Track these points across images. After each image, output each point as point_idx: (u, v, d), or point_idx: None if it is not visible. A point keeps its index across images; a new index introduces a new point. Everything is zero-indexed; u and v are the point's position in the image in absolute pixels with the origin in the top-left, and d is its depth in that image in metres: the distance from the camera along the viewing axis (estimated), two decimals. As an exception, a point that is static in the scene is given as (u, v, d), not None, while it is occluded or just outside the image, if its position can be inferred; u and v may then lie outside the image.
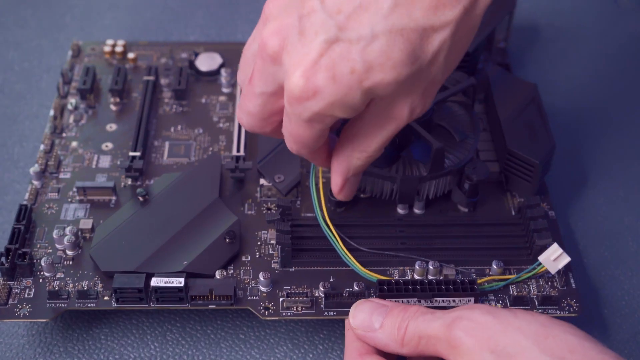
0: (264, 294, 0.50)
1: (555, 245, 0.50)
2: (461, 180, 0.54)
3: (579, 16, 0.72)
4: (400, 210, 0.55)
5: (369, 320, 0.45)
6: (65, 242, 0.52)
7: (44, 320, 0.48)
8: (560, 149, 0.58)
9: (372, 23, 0.40)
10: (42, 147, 0.59)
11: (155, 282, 0.49)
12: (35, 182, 0.56)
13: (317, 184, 0.53)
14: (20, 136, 0.61)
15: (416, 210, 0.55)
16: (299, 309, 0.49)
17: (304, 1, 0.41)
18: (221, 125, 0.61)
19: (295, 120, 0.43)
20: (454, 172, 0.54)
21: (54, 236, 0.52)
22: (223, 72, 0.64)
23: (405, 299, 0.48)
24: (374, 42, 0.40)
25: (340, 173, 0.47)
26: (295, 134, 0.44)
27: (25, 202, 0.54)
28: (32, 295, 0.50)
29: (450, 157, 0.54)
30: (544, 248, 0.51)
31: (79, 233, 0.53)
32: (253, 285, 0.50)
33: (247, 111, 0.45)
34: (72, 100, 0.62)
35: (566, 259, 0.50)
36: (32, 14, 0.70)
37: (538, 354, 0.39)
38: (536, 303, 0.50)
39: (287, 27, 0.41)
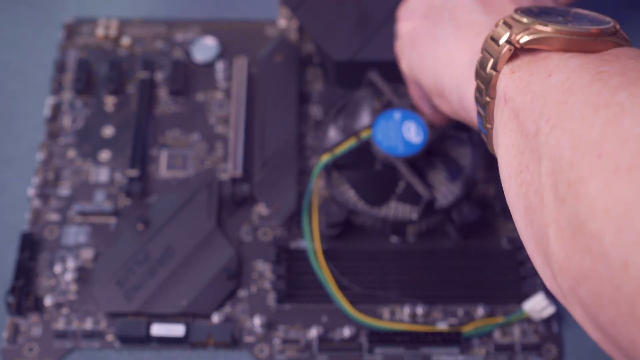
0: (260, 335, 0.52)
1: (541, 296, 0.52)
2: (452, 218, 0.54)
3: None
4: (393, 239, 0.56)
5: None
6: (68, 279, 0.53)
7: (50, 361, 0.52)
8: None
9: None
10: (40, 156, 0.59)
11: (156, 330, 0.51)
12: (35, 202, 0.57)
13: (310, 220, 0.55)
14: (15, 135, 0.61)
15: (410, 238, 0.56)
16: (294, 352, 0.52)
17: None
18: (218, 130, 0.61)
19: None
20: (446, 211, 0.54)
21: (56, 272, 0.54)
22: (219, 65, 0.63)
23: (392, 348, 0.51)
24: None
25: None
26: None
27: (26, 230, 0.56)
28: (39, 334, 0.52)
29: (443, 192, 0.54)
30: (531, 293, 0.53)
31: (82, 262, 0.54)
32: (249, 325, 0.53)
33: None
34: (67, 96, 0.61)
35: (550, 310, 0.52)
36: (27, 12, 0.67)
37: None
38: (519, 349, 0.52)
39: None
